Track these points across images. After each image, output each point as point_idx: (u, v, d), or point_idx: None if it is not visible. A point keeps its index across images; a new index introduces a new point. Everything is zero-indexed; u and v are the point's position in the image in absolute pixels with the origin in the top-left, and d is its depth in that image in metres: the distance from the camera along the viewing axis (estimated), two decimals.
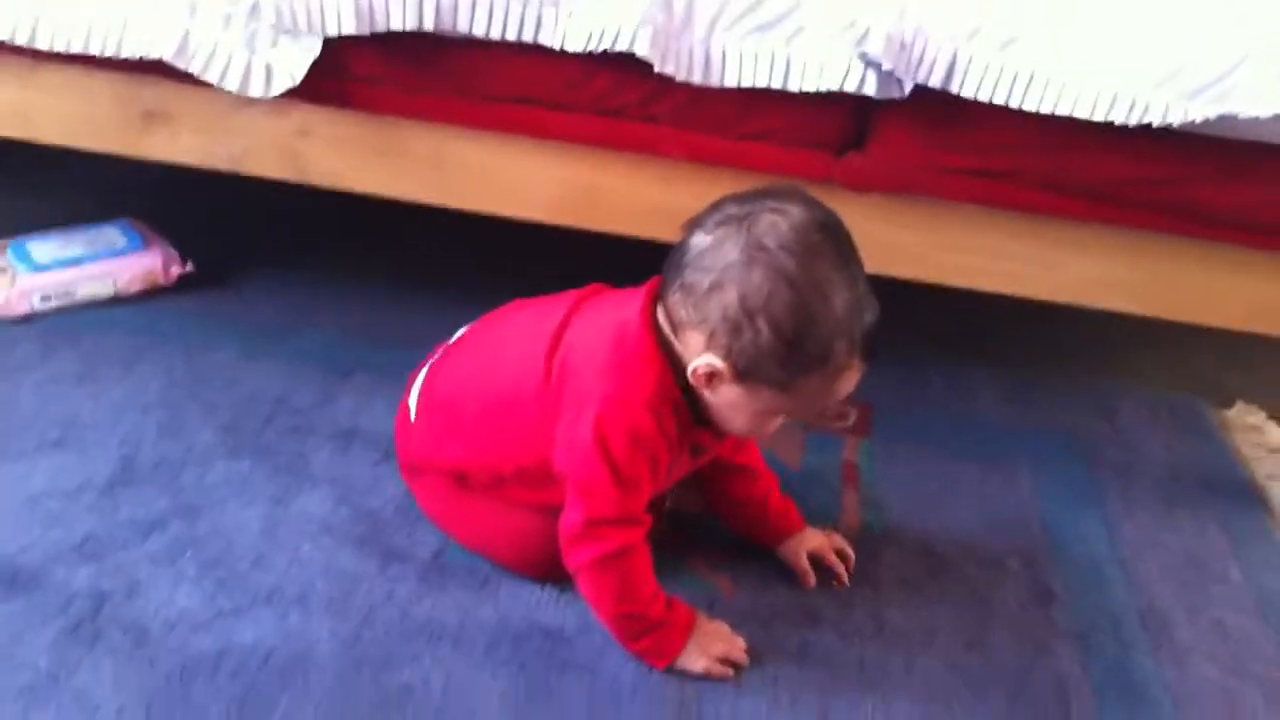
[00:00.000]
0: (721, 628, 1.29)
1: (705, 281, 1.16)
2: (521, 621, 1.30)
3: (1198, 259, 1.56)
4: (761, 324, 1.14)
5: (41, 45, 1.50)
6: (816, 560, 1.41)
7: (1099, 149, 1.48)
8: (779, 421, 1.27)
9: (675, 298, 1.19)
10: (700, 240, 1.18)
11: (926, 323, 2.03)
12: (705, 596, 1.35)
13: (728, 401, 1.21)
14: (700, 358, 1.18)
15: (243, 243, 2.00)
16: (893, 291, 1.73)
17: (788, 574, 1.41)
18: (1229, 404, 1.92)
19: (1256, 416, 1.91)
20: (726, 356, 1.17)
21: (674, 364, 1.21)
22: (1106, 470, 1.70)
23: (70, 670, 1.16)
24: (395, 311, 1.84)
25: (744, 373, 1.17)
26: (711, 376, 1.19)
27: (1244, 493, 1.69)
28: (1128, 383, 1.95)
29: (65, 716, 1.11)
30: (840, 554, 1.42)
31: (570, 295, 1.33)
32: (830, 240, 1.16)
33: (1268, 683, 1.34)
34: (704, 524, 1.46)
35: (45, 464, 1.43)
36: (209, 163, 1.66)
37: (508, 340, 1.36)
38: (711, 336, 1.17)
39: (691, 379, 1.20)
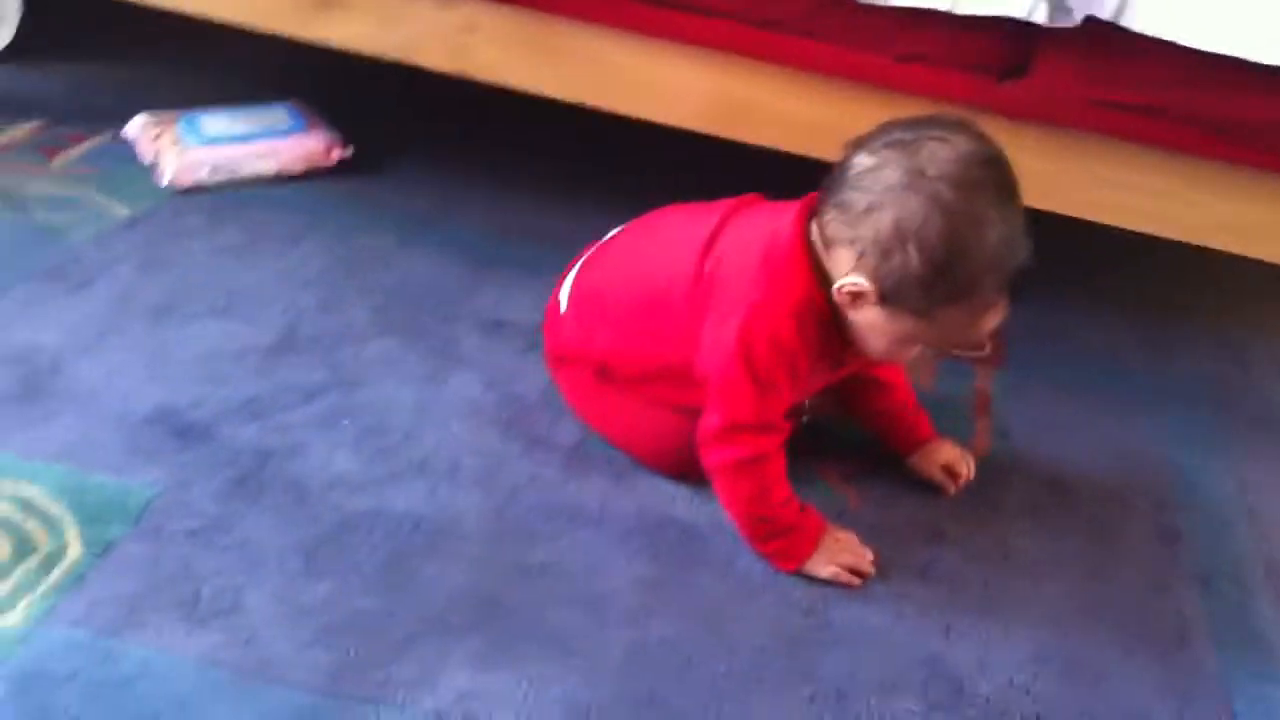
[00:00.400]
0: (851, 538, 1.32)
1: (862, 202, 1.18)
2: (658, 514, 1.34)
3: None
4: (912, 250, 1.16)
5: None
6: (947, 471, 1.43)
7: (1261, 92, 1.47)
8: (917, 349, 1.30)
9: (830, 214, 1.22)
10: (862, 160, 1.20)
11: (1064, 259, 2.02)
12: (834, 506, 1.39)
13: (869, 323, 1.24)
14: (847, 276, 1.21)
15: (400, 133, 2.06)
16: (1033, 223, 1.75)
17: (915, 491, 1.44)
18: None
19: None
20: (873, 278, 1.19)
21: (822, 279, 1.24)
22: (1238, 418, 1.70)
23: (236, 518, 1.23)
24: (540, 210, 1.89)
25: (888, 296, 1.20)
26: (856, 296, 1.21)
27: None
28: (1264, 333, 1.93)
29: (230, 558, 1.19)
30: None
31: (726, 203, 1.36)
32: (992, 175, 1.17)
33: None
34: (839, 434, 1.49)
35: (213, 326, 1.51)
36: (377, 50, 1.70)
37: (662, 241, 1.39)
38: (861, 256, 1.19)
39: (836, 296, 1.23)
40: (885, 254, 1.17)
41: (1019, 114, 1.57)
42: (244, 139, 1.83)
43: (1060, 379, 1.72)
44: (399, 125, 2.09)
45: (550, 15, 1.63)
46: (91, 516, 1.20)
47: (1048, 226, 1.66)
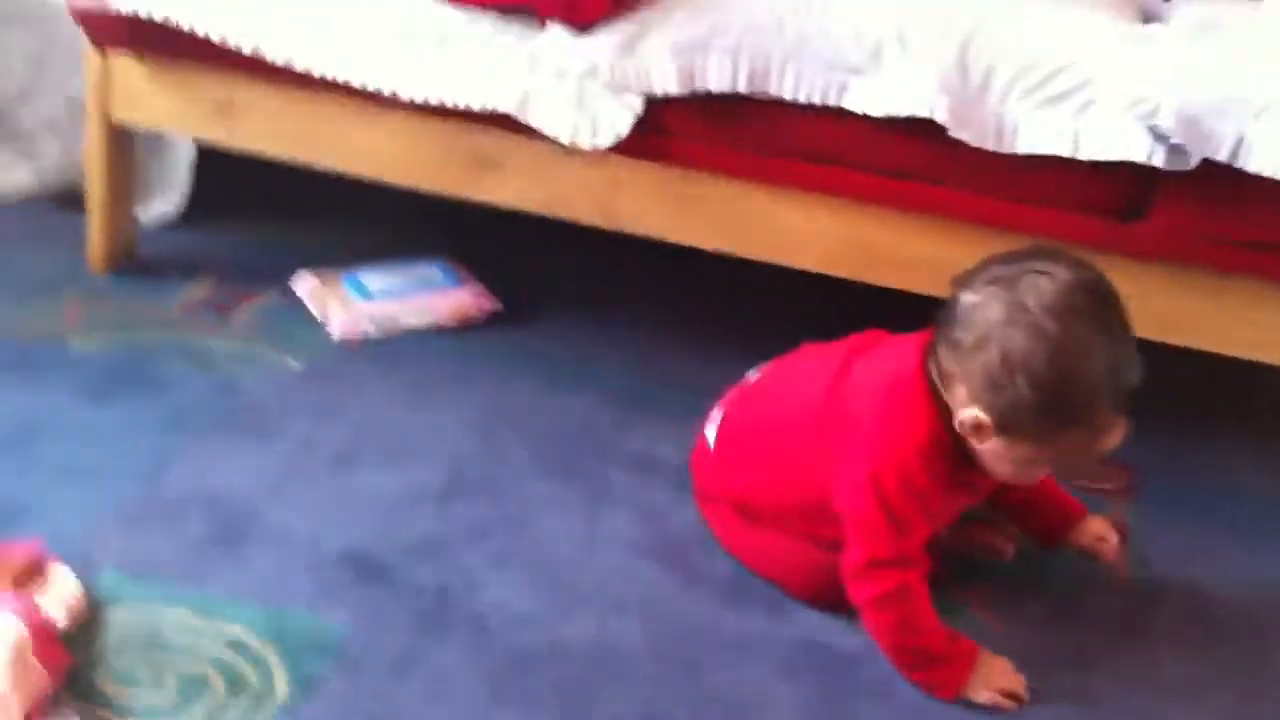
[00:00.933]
0: (1005, 663, 1.37)
1: (970, 338, 1.26)
2: (816, 643, 1.41)
3: None
4: (1021, 381, 1.23)
5: (402, 96, 1.69)
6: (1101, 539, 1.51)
7: None
8: (1045, 470, 1.36)
9: (943, 351, 1.30)
10: (967, 298, 1.28)
11: (1201, 395, 2.07)
12: (979, 633, 1.44)
13: (993, 451, 1.31)
14: (966, 410, 1.28)
15: (545, 284, 2.17)
16: (1163, 357, 1.80)
17: (1057, 615, 1.50)
18: None
19: None
20: (990, 410, 1.26)
21: (944, 412, 1.31)
22: None
23: (424, 652, 1.32)
24: (681, 352, 1.98)
25: (1006, 426, 1.27)
26: (977, 428, 1.28)
27: None
28: None
29: (425, 688, 1.28)
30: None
31: (849, 341, 1.45)
32: (1093, 302, 1.24)
33: None
34: (979, 563, 1.55)
35: (388, 471, 1.62)
36: (529, 207, 1.83)
37: (793, 382, 1.48)
38: (976, 391, 1.27)
39: (958, 428, 1.30)
40: (998, 387, 1.24)
41: (1143, 253, 1.64)
42: (403, 294, 1.96)
43: (1196, 508, 1.75)
44: (545, 277, 2.20)
45: (689, 170, 1.74)
46: (293, 654, 1.30)
47: (1182, 357, 1.73)
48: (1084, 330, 1.22)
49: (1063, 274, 1.24)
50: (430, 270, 2.03)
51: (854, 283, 1.76)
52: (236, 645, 1.30)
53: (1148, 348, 1.65)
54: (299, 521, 1.50)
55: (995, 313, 1.24)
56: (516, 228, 1.90)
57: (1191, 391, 2.07)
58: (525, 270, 2.20)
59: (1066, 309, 1.22)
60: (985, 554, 1.57)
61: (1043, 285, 1.23)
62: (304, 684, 1.26)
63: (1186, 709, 1.37)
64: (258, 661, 1.28)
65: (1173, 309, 1.67)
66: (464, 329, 1.99)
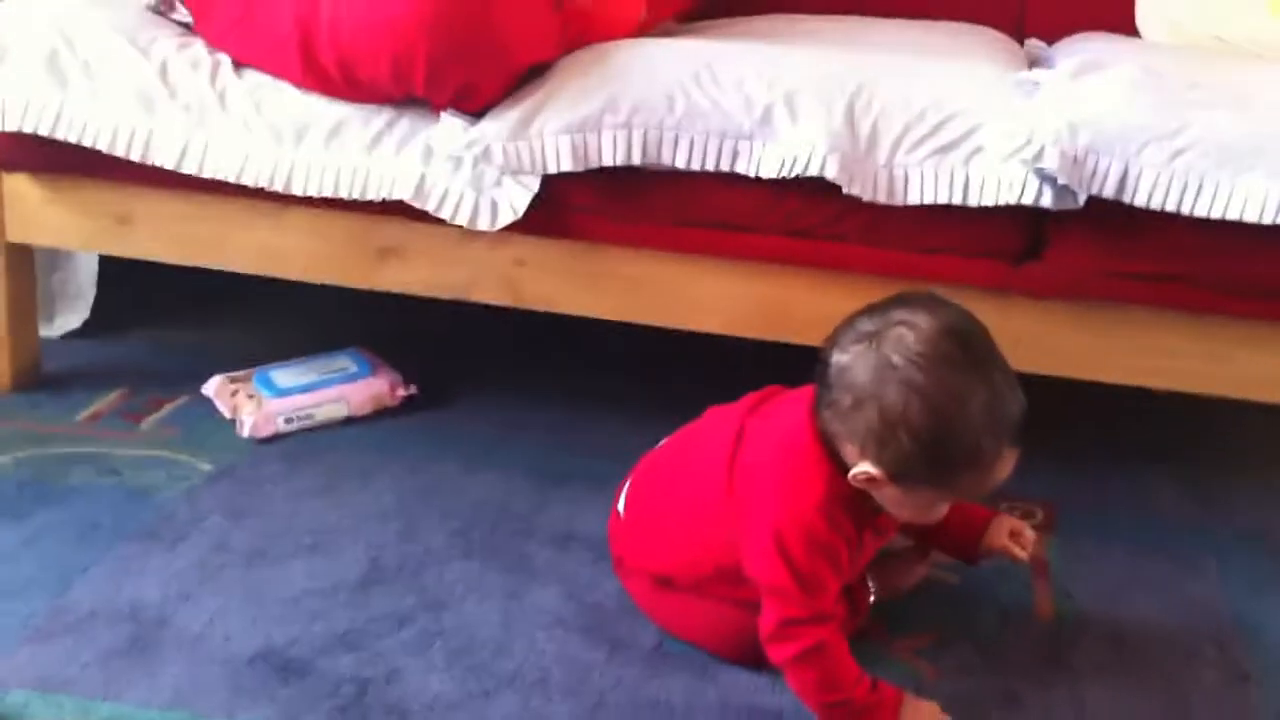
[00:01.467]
0: (932, 707, 1.37)
1: (847, 400, 1.27)
2: (742, 702, 1.40)
3: None
4: (903, 436, 1.24)
5: (296, 192, 1.70)
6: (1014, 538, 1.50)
7: (1264, 249, 1.57)
8: (945, 508, 1.37)
9: (826, 413, 1.30)
10: (838, 359, 1.29)
11: (1107, 425, 2.11)
12: (910, 680, 1.44)
13: (891, 499, 1.32)
14: (857, 466, 1.29)
15: (457, 366, 2.18)
16: (1072, 394, 1.83)
17: (986, 658, 1.49)
18: None
19: None
20: (879, 464, 1.27)
21: (839, 465, 1.32)
22: None
23: None
24: (601, 424, 1.98)
25: (898, 477, 1.28)
26: (871, 480, 1.29)
27: None
28: None
29: None
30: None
31: (747, 400, 1.46)
32: (958, 345, 1.25)
33: None
34: (907, 611, 1.55)
35: (302, 566, 1.59)
36: (435, 292, 1.84)
37: (695, 447, 1.48)
38: (863, 448, 1.28)
39: (853, 483, 1.30)
40: (882, 444, 1.26)
41: (1042, 293, 1.68)
42: (315, 387, 1.95)
43: (1115, 538, 1.77)
44: (461, 357, 2.21)
45: (593, 244, 1.76)
46: None
47: (1090, 392, 1.75)
48: (954, 376, 1.23)
49: (924, 322, 1.25)
50: (342, 360, 2.03)
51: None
52: None
53: (1056, 383, 1.69)
54: (212, 624, 1.47)
55: (865, 373, 1.25)
56: (431, 310, 1.90)
57: (1106, 423, 2.10)
58: (441, 352, 2.20)
59: (933, 359, 1.23)
60: (907, 583, 1.58)
61: (907, 338, 1.24)
62: None
63: None
64: None
65: (1074, 345, 1.70)
66: (380, 416, 1.98)
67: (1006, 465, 1.29)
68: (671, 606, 1.48)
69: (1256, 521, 1.85)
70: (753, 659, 1.42)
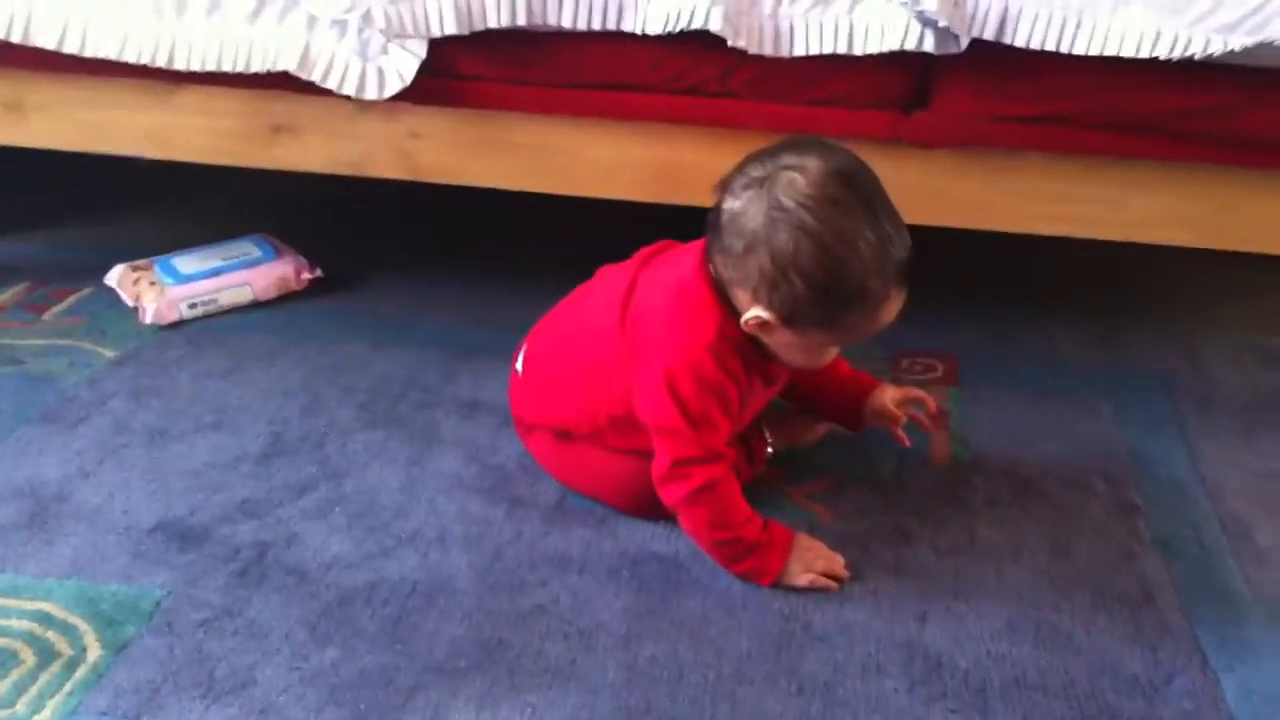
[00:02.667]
0: (821, 546, 1.39)
1: (739, 244, 1.28)
2: (639, 551, 1.42)
3: (1256, 189, 1.64)
4: (794, 278, 1.26)
5: (179, 66, 1.67)
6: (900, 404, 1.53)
7: (1147, 86, 1.58)
8: (835, 352, 1.39)
9: (718, 258, 1.32)
10: (730, 204, 1.30)
11: (1008, 275, 2.13)
12: (805, 523, 1.46)
13: (782, 343, 1.33)
14: (750, 311, 1.30)
15: (365, 247, 2.17)
16: (970, 244, 1.84)
17: (880, 500, 1.52)
18: None
19: None
20: (770, 308, 1.29)
21: (731, 310, 1.33)
22: (1188, 401, 1.78)
23: (242, 605, 1.31)
24: (510, 297, 1.98)
25: (789, 320, 1.29)
26: (763, 325, 1.31)
27: None
28: (1211, 326, 2.02)
29: (239, 641, 1.26)
30: (921, 405, 1.55)
31: (640, 254, 1.46)
32: (846, 187, 1.26)
33: None
34: (803, 460, 1.57)
35: (204, 442, 1.60)
36: (332, 169, 1.82)
37: (591, 303, 1.48)
38: (755, 292, 1.29)
39: (745, 329, 1.32)
40: (773, 286, 1.27)
41: (932, 141, 1.68)
42: (217, 272, 1.94)
43: (1015, 386, 1.80)
44: (364, 241, 2.20)
45: (486, 111, 1.74)
46: (107, 621, 1.28)
47: (989, 242, 1.77)
48: (842, 218, 1.24)
49: (814, 166, 1.25)
50: (245, 245, 2.01)
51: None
52: (46, 619, 1.28)
53: (959, 236, 1.70)
54: (112, 498, 1.47)
55: (757, 217, 1.26)
56: (331, 195, 1.89)
57: (1009, 274, 2.13)
58: (348, 236, 2.19)
59: (822, 201, 1.24)
60: (805, 440, 1.61)
61: (797, 181, 1.25)
62: (117, 647, 1.24)
63: (1000, 569, 1.40)
64: (68, 631, 1.26)
65: (966, 194, 1.71)
66: (286, 300, 1.97)
67: (893, 307, 1.30)
68: (570, 460, 1.49)
69: (1156, 365, 1.88)
70: (650, 511, 1.44)
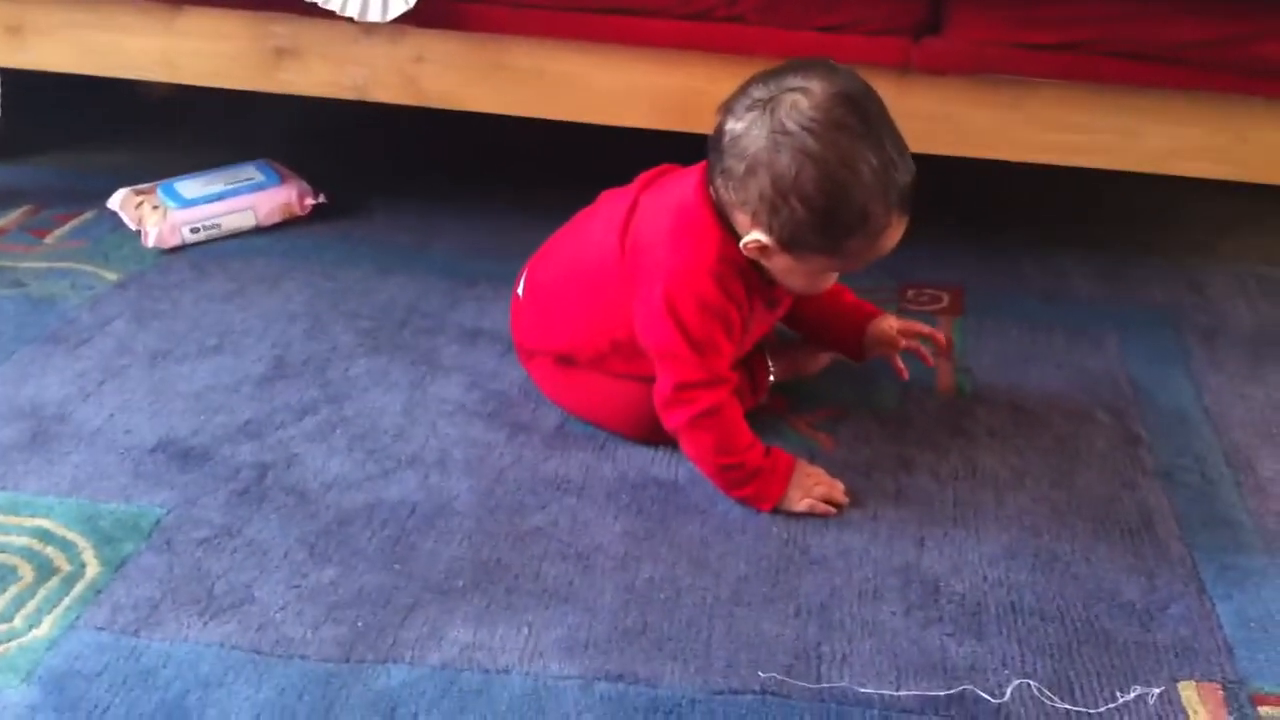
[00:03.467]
0: (822, 472, 1.39)
1: (740, 167, 1.26)
2: (638, 475, 1.42)
3: (1273, 119, 1.62)
4: (795, 202, 1.24)
5: None
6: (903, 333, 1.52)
7: (1168, 14, 1.56)
8: (835, 276, 1.38)
9: (719, 181, 1.30)
10: (732, 126, 1.28)
11: (1017, 206, 2.12)
12: (807, 451, 1.46)
13: (782, 268, 1.32)
14: (749, 234, 1.29)
15: (371, 175, 2.16)
16: (981, 173, 1.83)
17: (883, 428, 1.52)
18: None
19: None
20: (770, 232, 1.27)
21: (732, 233, 1.32)
22: (1193, 334, 1.76)
23: (241, 524, 1.31)
24: (515, 224, 1.97)
25: (789, 244, 1.28)
26: (763, 249, 1.29)
27: None
28: (1217, 259, 2.00)
29: (238, 558, 1.26)
30: (928, 340, 1.53)
31: (641, 178, 1.45)
32: (850, 111, 1.23)
33: None
34: (805, 389, 1.57)
35: (206, 364, 1.59)
36: (334, 93, 1.80)
37: (592, 227, 1.47)
38: (755, 215, 1.27)
39: (745, 252, 1.31)
40: (774, 210, 1.25)
41: (944, 68, 1.66)
42: (220, 197, 1.93)
43: (1020, 318, 1.79)
44: (369, 168, 2.19)
45: (491, 36, 1.73)
46: (106, 538, 1.28)
47: (999, 172, 1.75)
48: (846, 142, 1.22)
49: (818, 88, 1.23)
50: (249, 170, 2.00)
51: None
52: (45, 536, 1.28)
53: (966, 164, 1.69)
54: (114, 419, 1.48)
55: (759, 140, 1.24)
56: (337, 121, 1.88)
57: (1019, 205, 2.12)
58: (352, 161, 2.18)
59: (826, 124, 1.22)
60: (809, 370, 1.60)
61: (801, 103, 1.23)
62: (115, 564, 1.25)
63: (1001, 497, 1.40)
64: (67, 548, 1.27)
65: (978, 122, 1.69)
66: (289, 226, 1.97)
67: (895, 233, 1.29)
68: (572, 385, 1.49)
69: (1162, 298, 1.87)
70: (651, 435, 1.44)
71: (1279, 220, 2.15)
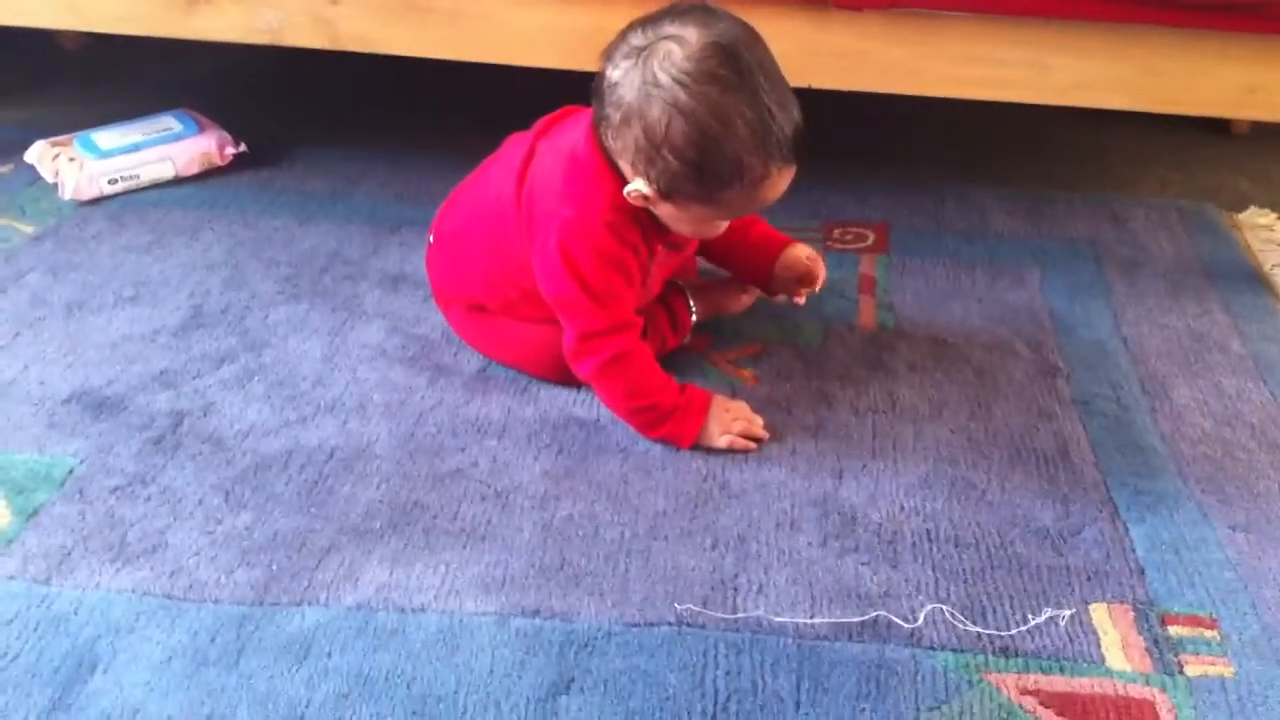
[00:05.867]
0: (742, 407, 1.39)
1: (617, 116, 1.25)
2: (560, 416, 1.42)
3: (1183, 49, 1.62)
4: (667, 154, 1.22)
5: None
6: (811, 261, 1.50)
7: None
8: (724, 224, 1.36)
9: (601, 128, 1.28)
10: (610, 74, 1.26)
11: (941, 146, 2.12)
12: (729, 389, 1.46)
13: (668, 215, 1.31)
14: (632, 184, 1.28)
15: (293, 123, 2.14)
16: (907, 113, 1.83)
17: (804, 365, 1.52)
18: (1241, 208, 1.98)
19: (1268, 217, 1.96)
20: (649, 181, 1.26)
21: (622, 179, 1.30)
22: (1114, 267, 1.78)
23: (155, 472, 1.30)
24: (438, 169, 1.95)
25: (667, 194, 1.26)
26: (645, 198, 1.28)
27: (1250, 281, 1.76)
28: (1139, 194, 2.02)
29: (152, 506, 1.25)
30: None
31: (539, 123, 1.43)
32: (725, 62, 1.20)
33: (1259, 427, 1.43)
34: (726, 328, 1.57)
35: (122, 315, 1.57)
36: (248, 38, 1.77)
37: (492, 174, 1.45)
38: (634, 165, 1.26)
39: (630, 200, 1.29)
40: (650, 161, 1.24)
41: (859, 3, 1.65)
42: (138, 147, 1.90)
43: (943, 255, 1.79)
44: (289, 116, 2.16)
45: None
46: (17, 489, 1.27)
47: (924, 112, 1.74)
48: (717, 94, 1.20)
49: (693, 37, 1.20)
50: (167, 120, 1.97)
51: None
52: None
53: (886, 100, 1.69)
54: (27, 370, 1.46)
55: (631, 90, 1.22)
56: (255, 71, 1.84)
57: (943, 143, 2.12)
58: (272, 110, 2.15)
59: (697, 76, 1.20)
60: (731, 309, 1.60)
61: (674, 54, 1.20)
62: (27, 514, 1.23)
63: (919, 429, 1.41)
64: None
65: (893, 58, 1.68)
66: (209, 176, 1.94)
67: (778, 183, 1.26)
68: (487, 332, 1.48)
69: (1085, 232, 1.88)
70: (569, 377, 1.43)
71: (1202, 154, 2.16)
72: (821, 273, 1.51)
